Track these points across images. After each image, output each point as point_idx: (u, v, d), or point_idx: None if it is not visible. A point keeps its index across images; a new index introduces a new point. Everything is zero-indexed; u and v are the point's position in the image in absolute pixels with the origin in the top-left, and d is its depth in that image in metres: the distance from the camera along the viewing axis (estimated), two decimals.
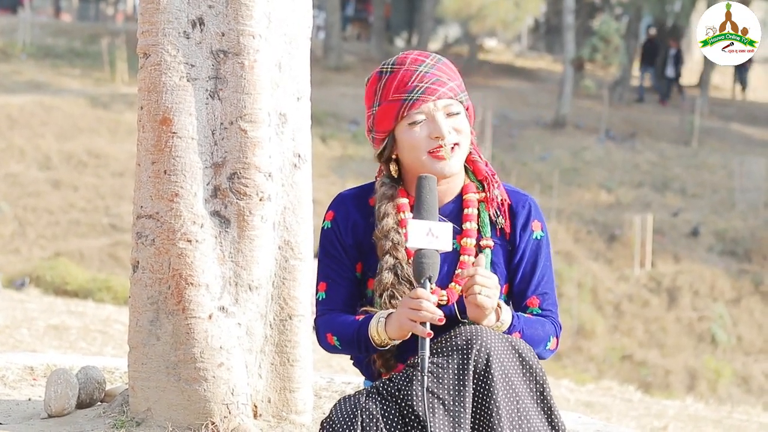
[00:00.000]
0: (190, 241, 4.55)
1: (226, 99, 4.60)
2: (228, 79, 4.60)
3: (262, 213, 4.63)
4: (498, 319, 3.54)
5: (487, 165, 3.73)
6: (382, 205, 3.68)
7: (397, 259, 3.60)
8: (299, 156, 4.82)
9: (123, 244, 23.12)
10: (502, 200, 3.68)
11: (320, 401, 5.28)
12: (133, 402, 4.68)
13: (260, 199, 4.62)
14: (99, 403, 5.03)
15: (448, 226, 3.44)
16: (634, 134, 32.07)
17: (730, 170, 28.93)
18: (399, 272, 3.60)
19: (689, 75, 41.81)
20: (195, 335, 4.54)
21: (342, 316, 3.63)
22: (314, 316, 3.75)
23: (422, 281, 3.42)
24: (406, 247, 3.60)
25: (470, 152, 3.72)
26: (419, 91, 3.58)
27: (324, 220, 3.75)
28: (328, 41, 38.54)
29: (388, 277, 3.60)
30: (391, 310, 3.53)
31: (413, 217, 3.51)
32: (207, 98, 4.61)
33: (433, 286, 3.52)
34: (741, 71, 39.27)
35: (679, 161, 30.08)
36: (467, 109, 3.66)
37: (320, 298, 3.71)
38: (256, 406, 4.73)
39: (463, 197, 3.70)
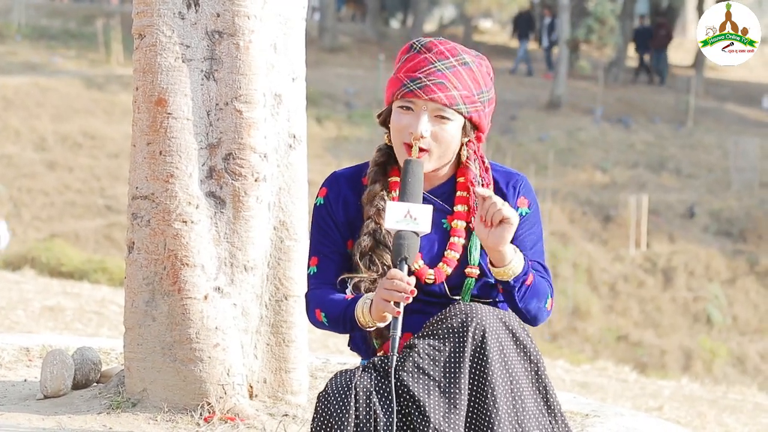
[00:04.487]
0: (185, 221, 4.55)
1: (222, 80, 4.60)
2: (223, 60, 4.60)
3: (258, 194, 4.63)
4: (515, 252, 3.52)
5: (485, 172, 3.70)
6: (373, 171, 3.70)
7: (378, 224, 3.62)
8: (294, 137, 4.82)
9: (118, 226, 23.12)
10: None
11: (316, 382, 5.28)
12: (128, 383, 4.69)
13: (255, 180, 4.62)
14: (95, 384, 5.03)
15: (428, 209, 3.44)
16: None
17: (725, 150, 28.93)
18: (378, 237, 3.62)
19: (684, 55, 41.74)
20: (190, 316, 4.55)
21: (333, 293, 3.64)
22: (305, 290, 3.76)
23: (398, 262, 3.43)
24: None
25: (467, 157, 3.70)
26: (418, 84, 3.57)
27: (317, 197, 3.76)
28: (322, 22, 38.46)
29: (367, 241, 3.63)
30: None
31: (394, 199, 3.54)
32: (202, 79, 4.60)
33: (419, 264, 3.56)
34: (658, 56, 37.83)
35: (675, 141, 30.06)
36: (470, 119, 3.63)
37: (311, 273, 3.73)
38: (251, 387, 4.73)
39: (457, 180, 3.71)
